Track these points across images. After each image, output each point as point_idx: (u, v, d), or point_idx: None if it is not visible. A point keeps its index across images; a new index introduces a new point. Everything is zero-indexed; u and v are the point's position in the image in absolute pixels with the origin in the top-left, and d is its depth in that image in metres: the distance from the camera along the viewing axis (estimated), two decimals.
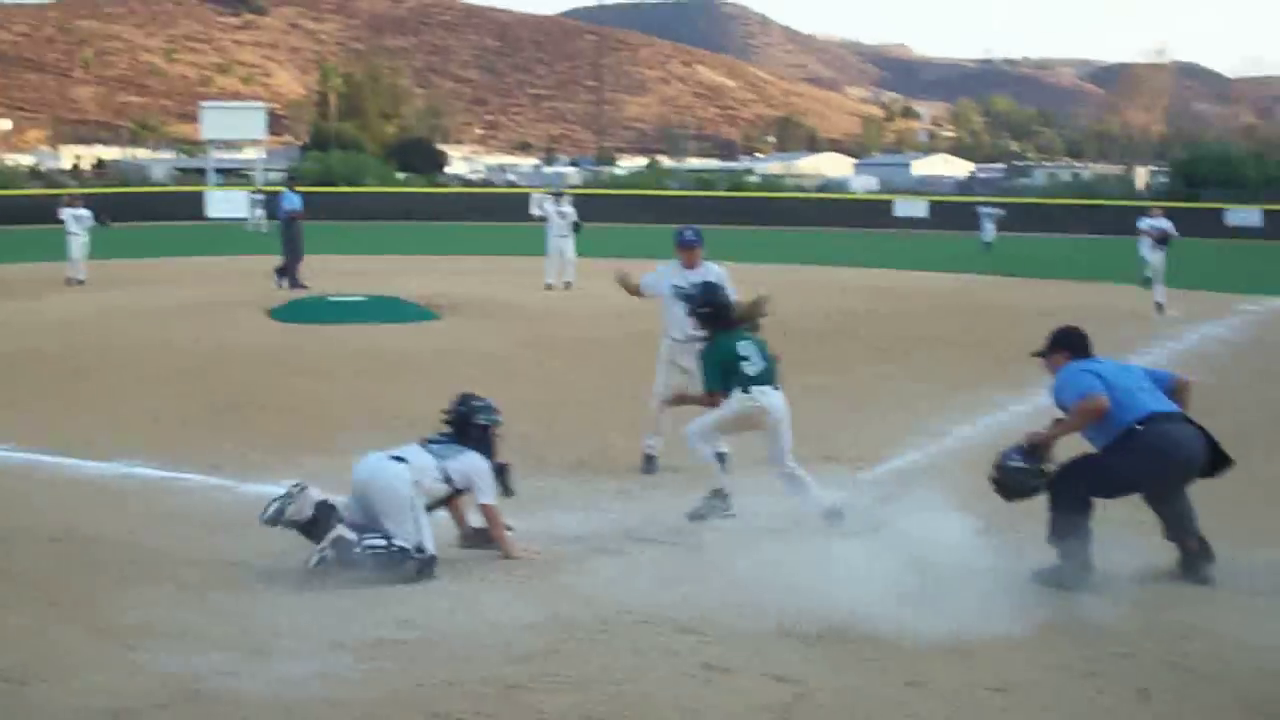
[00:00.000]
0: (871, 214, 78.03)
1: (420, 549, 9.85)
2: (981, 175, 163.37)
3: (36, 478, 13.46)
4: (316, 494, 9.96)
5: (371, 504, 10.01)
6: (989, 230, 58.15)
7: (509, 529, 10.44)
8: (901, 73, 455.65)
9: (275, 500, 9.95)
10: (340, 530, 9.68)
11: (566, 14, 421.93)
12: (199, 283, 35.30)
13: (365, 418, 16.42)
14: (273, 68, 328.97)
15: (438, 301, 28.80)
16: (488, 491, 10.28)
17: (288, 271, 33.42)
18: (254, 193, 68.79)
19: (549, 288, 33.41)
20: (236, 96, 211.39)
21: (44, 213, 67.54)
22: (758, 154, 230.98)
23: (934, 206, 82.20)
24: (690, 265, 13.44)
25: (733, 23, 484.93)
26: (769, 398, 11.38)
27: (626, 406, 15.90)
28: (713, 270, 13.32)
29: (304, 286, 32.18)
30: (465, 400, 10.73)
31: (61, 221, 35.63)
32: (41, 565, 10.27)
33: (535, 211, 35.57)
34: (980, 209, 61.64)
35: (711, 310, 11.74)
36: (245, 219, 62.20)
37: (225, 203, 73.16)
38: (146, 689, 7.73)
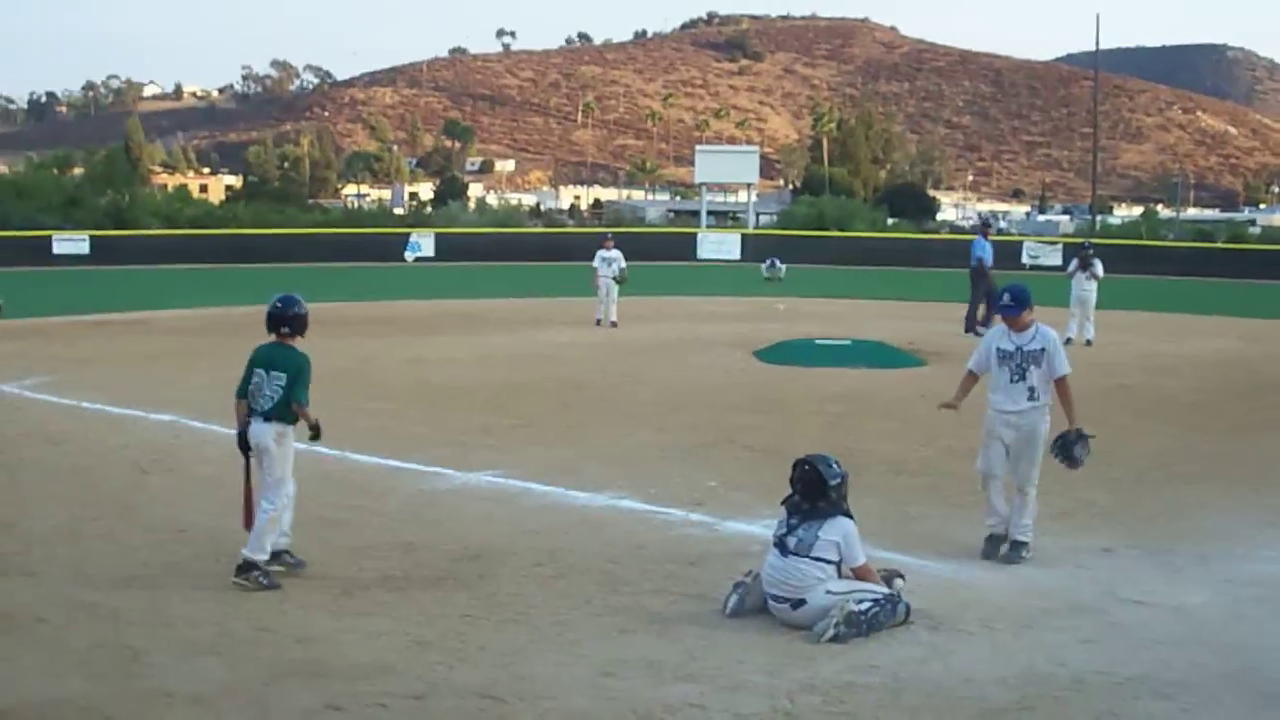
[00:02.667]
0: None
1: (892, 597, 9.77)
2: None
3: (524, 504, 13.94)
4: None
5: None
6: None
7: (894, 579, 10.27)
8: None
9: (732, 593, 9.95)
10: (849, 605, 9.57)
11: (1062, 59, 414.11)
12: (689, 321, 36.03)
13: (843, 462, 16.40)
14: (767, 112, 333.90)
15: (923, 347, 28.58)
16: (857, 554, 9.96)
17: (970, 317, 32.81)
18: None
19: (1068, 341, 31.48)
20: (731, 141, 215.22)
21: (543, 249, 70.72)
22: (1261, 204, 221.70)
23: None
24: (1018, 329, 12.09)
25: (1237, 68, 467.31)
26: None
27: (1110, 460, 15.42)
28: (1045, 334, 12.12)
29: (977, 333, 30.79)
30: (813, 467, 10.36)
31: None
32: (524, 589, 10.63)
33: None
34: None
35: None
36: (733, 260, 63.01)
37: (716, 244, 74.51)
38: (618, 716, 7.91)
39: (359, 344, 27.45)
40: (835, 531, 9.91)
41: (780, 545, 10.00)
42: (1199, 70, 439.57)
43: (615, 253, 35.24)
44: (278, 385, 10.76)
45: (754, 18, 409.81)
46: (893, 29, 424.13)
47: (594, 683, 8.46)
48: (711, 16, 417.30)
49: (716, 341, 30.08)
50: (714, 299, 45.60)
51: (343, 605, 10.16)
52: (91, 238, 68.03)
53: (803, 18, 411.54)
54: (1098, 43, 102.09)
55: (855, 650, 9.14)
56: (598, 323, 34.29)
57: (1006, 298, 12.18)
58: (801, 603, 9.71)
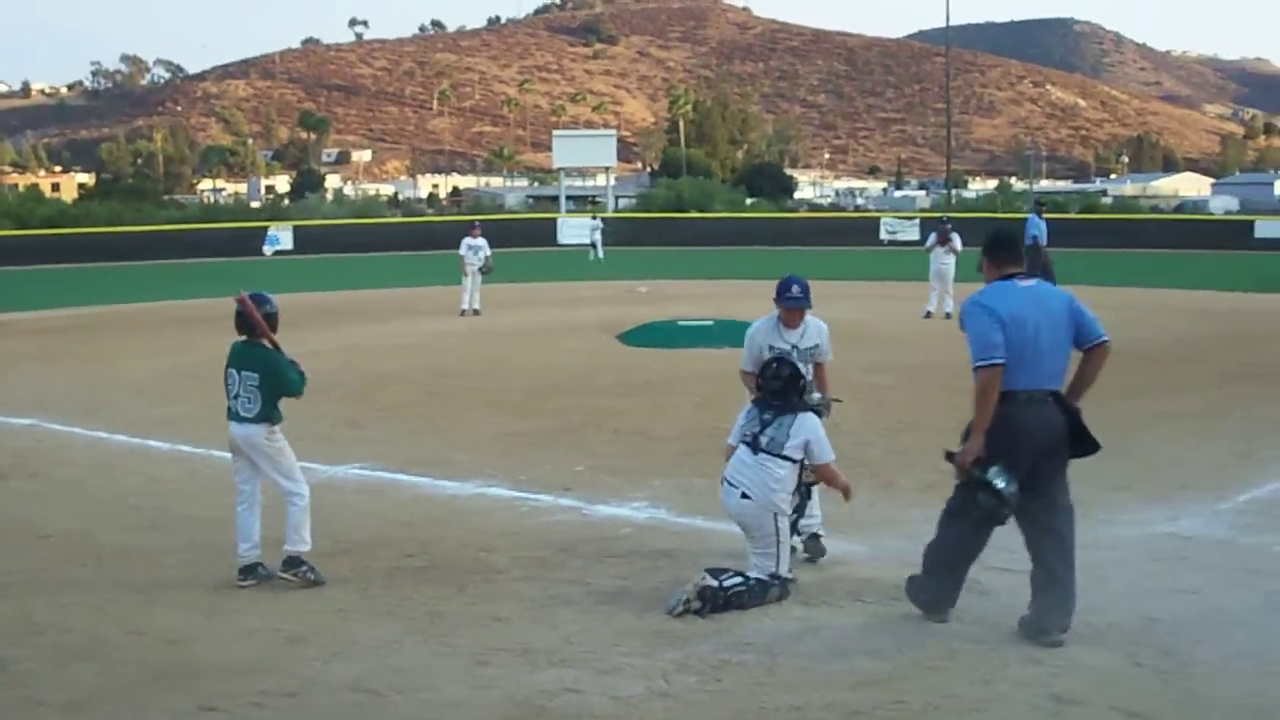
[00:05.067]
0: (1232, 235, 75.04)
1: (776, 576, 9.85)
2: None
3: (393, 496, 13.89)
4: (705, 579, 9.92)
5: (745, 526, 10.09)
6: None
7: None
8: (1262, 88, 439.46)
9: (679, 601, 9.81)
10: (704, 579, 9.65)
11: (914, 36, 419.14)
12: (553, 307, 36.08)
13: (707, 440, 16.52)
14: (623, 96, 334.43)
15: None
16: (826, 452, 10.04)
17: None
18: (594, 219, 70.00)
19: (929, 315, 32.01)
20: (588, 125, 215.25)
21: (403, 239, 70.38)
22: (1112, 175, 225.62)
23: None
24: (794, 325, 11.39)
25: (1085, 41, 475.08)
26: None
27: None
28: (818, 328, 11.54)
29: None
30: (781, 364, 10.46)
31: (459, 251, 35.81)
32: (396, 581, 10.59)
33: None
34: None
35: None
36: (591, 245, 63.10)
37: (575, 229, 74.65)
38: (494, 704, 7.91)
39: (219, 340, 27.12)
40: (805, 430, 10.00)
41: (753, 443, 10.08)
42: (1048, 44, 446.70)
43: (481, 241, 35.28)
44: (252, 385, 10.54)
45: (607, 1, 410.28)
46: (745, 10, 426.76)
47: (470, 671, 8.45)
48: (564, 1, 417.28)
49: (581, 326, 30.16)
50: (576, 284, 45.66)
51: (214, 604, 10.06)
52: None
53: (656, 0, 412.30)
54: (948, 19, 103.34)
55: (729, 629, 9.19)
56: (462, 312, 34.24)
57: (796, 289, 11.28)
58: (748, 497, 9.91)
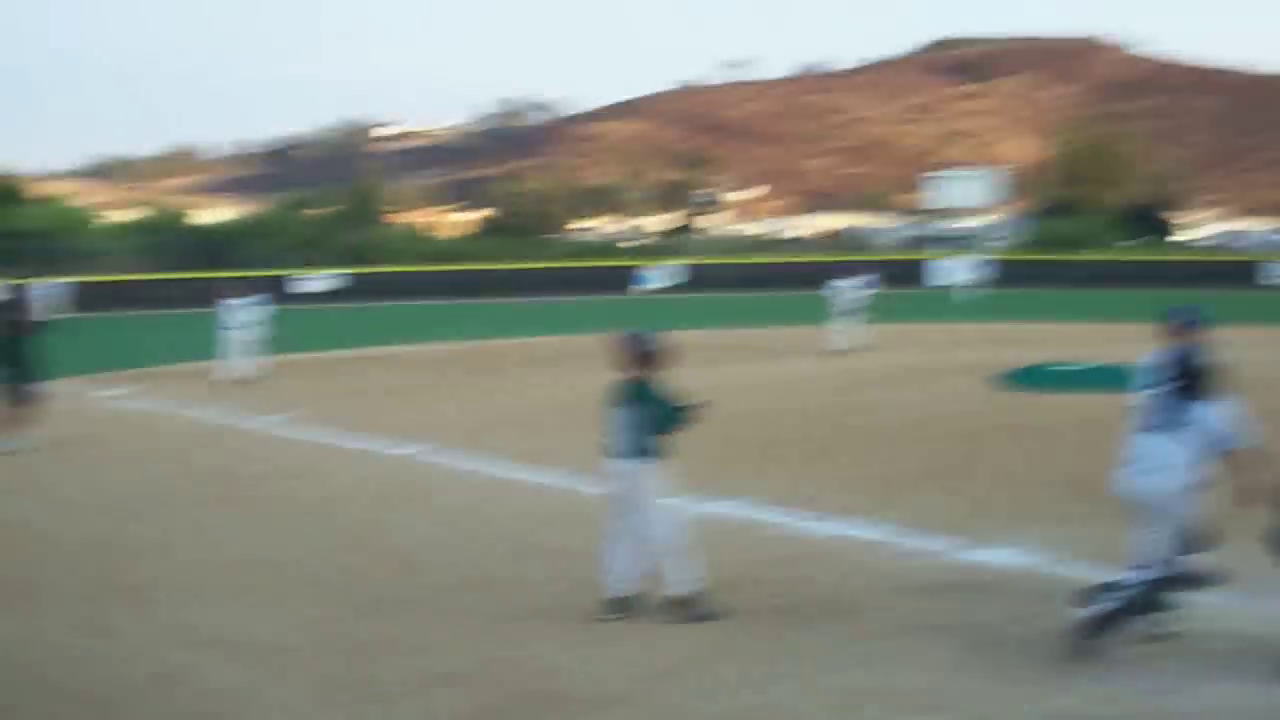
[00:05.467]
0: None
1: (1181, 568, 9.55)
2: None
3: (766, 534, 13.85)
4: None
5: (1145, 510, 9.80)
6: None
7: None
8: None
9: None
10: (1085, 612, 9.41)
11: None
12: (927, 348, 35.72)
13: (1085, 487, 16.06)
14: (1000, 135, 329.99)
15: None
16: (1233, 435, 9.59)
17: None
18: (959, 259, 69.24)
19: None
20: (964, 165, 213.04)
21: (779, 278, 70.68)
22: None
23: None
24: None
25: None
26: None
27: None
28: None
29: None
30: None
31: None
32: (766, 619, 10.53)
33: None
34: None
35: None
36: (954, 286, 62.10)
37: (949, 270, 73.78)
38: None
39: (594, 376, 27.61)
40: (1213, 415, 9.68)
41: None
42: None
43: (850, 281, 35.18)
44: (631, 422, 10.66)
45: (986, 40, 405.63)
46: (1128, 47, 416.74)
47: (839, 713, 8.35)
48: (943, 40, 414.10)
49: (957, 368, 29.75)
50: (951, 325, 45.11)
51: (583, 636, 10.17)
52: (334, 276, 69.77)
53: (1036, 38, 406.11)
54: None
55: (1099, 679, 8.88)
56: (835, 351, 34.17)
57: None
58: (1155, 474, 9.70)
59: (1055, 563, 12.20)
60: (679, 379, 10.86)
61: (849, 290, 34.97)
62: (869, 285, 35.40)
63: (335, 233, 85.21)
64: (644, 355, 10.74)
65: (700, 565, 10.59)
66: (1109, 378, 26.69)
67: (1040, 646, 9.59)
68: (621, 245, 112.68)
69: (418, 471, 18.18)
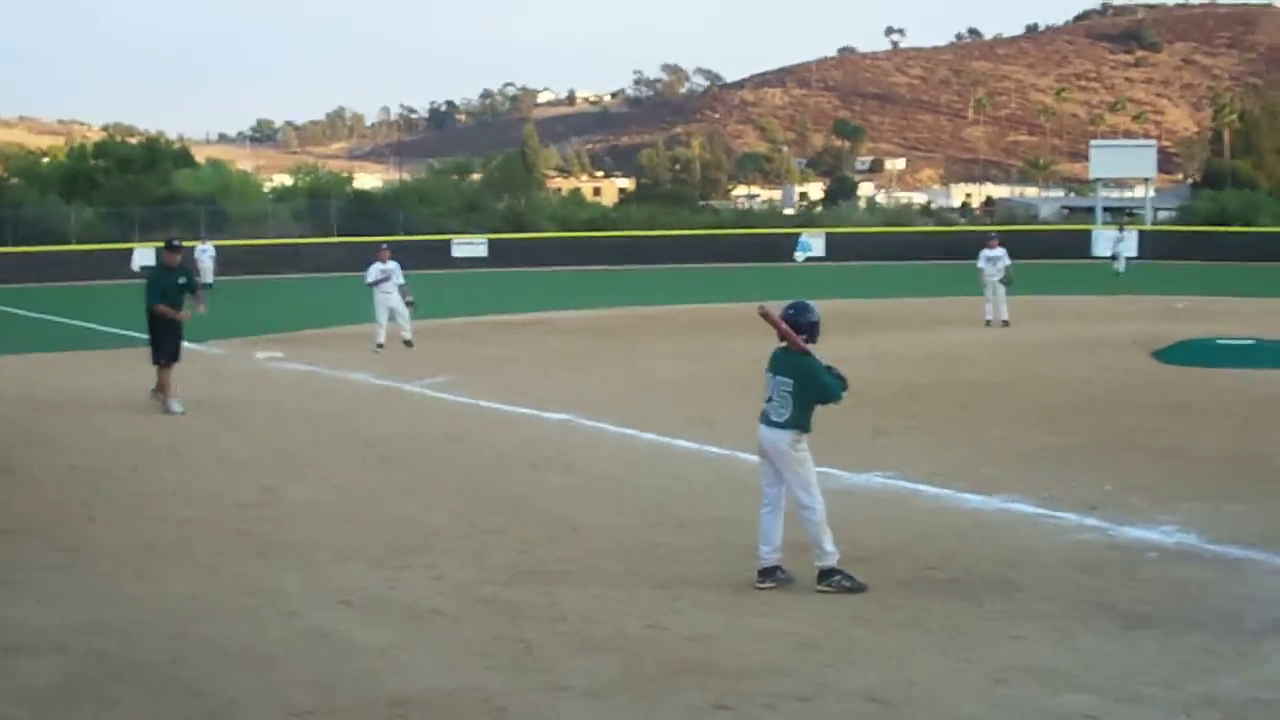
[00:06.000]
0: None
1: None
2: None
3: (915, 506, 13.80)
4: None
5: None
6: None
7: None
8: None
9: None
10: None
11: None
12: (1083, 321, 35.28)
13: (1244, 466, 15.84)
14: (1164, 104, 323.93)
15: None
16: None
17: None
18: (1119, 230, 68.10)
19: None
20: (1126, 134, 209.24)
21: (935, 248, 70.08)
22: None
23: None
24: None
25: None
26: None
27: None
28: None
29: None
30: None
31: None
32: (914, 592, 10.51)
33: None
34: None
35: None
36: (1112, 258, 61.08)
37: (1112, 242, 72.69)
38: None
39: (747, 345, 27.60)
40: None
41: None
42: None
43: (1000, 251, 34.82)
44: (785, 391, 10.69)
45: (1149, 6, 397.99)
46: None
47: (985, 689, 8.29)
48: (1105, 7, 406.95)
49: (1115, 341, 29.31)
50: (1110, 298, 44.47)
51: (733, 605, 10.21)
52: (490, 241, 70.33)
53: (1201, 5, 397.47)
54: None
55: (1259, 664, 8.74)
56: (987, 323, 33.86)
57: None
58: None
59: (1215, 542, 12.01)
60: (834, 348, 10.83)
61: (1001, 261, 34.59)
62: (1007, 256, 34.89)
63: (493, 198, 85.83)
64: (806, 326, 10.75)
65: (831, 539, 10.58)
66: (1273, 354, 26.28)
67: (1199, 626, 9.47)
68: (779, 212, 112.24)
69: (575, 437, 18.33)
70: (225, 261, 53.80)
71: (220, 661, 8.97)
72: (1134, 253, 65.85)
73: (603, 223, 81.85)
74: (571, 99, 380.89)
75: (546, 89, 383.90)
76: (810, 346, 10.71)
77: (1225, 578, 10.85)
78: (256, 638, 9.47)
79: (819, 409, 10.70)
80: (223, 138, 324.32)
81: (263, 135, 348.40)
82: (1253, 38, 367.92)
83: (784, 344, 10.79)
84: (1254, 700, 8.09)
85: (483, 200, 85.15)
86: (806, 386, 10.59)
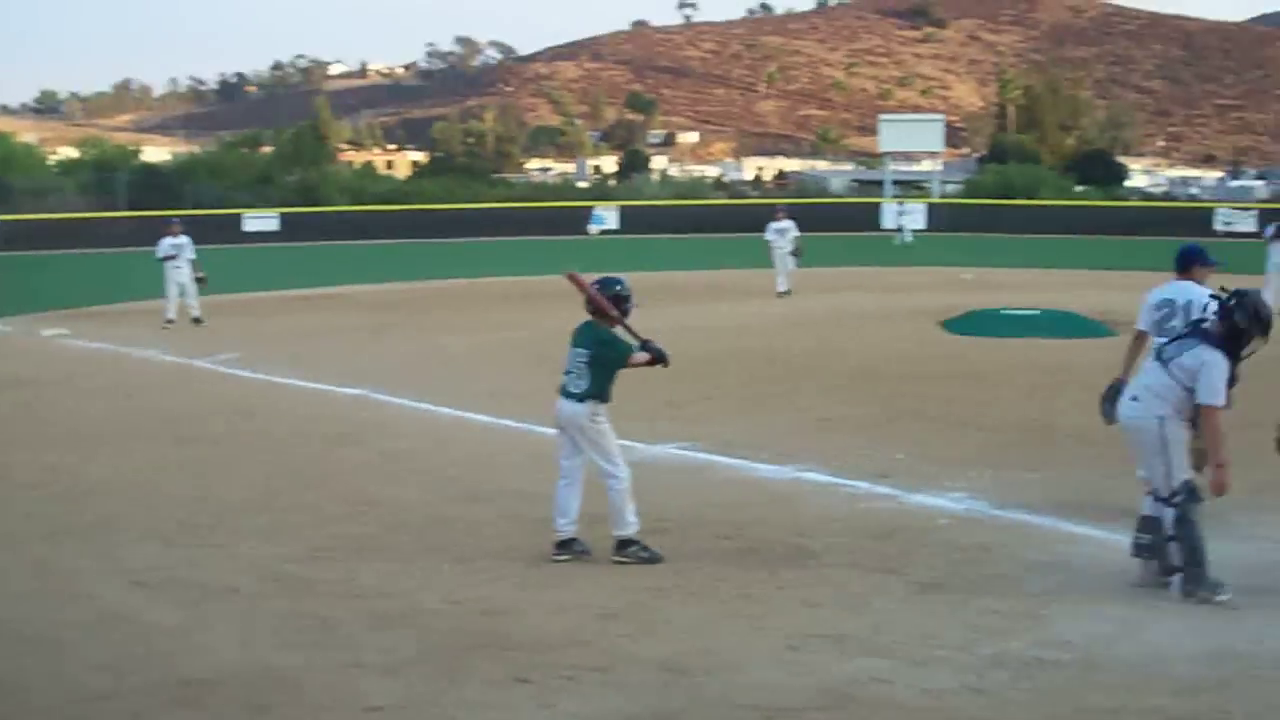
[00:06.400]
0: None
1: (1174, 491, 9.69)
2: None
3: (711, 477, 13.93)
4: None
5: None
6: None
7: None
8: None
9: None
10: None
11: (1256, 20, 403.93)
12: (874, 292, 35.83)
13: (1031, 433, 16.25)
14: (951, 80, 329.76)
15: (1112, 317, 28.01)
16: (1208, 390, 9.59)
17: None
18: (900, 204, 69.44)
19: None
20: (915, 109, 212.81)
21: (728, 221, 70.60)
22: None
23: None
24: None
25: None
26: None
27: None
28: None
29: None
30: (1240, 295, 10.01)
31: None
32: (710, 562, 10.62)
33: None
34: None
35: None
36: (903, 230, 62.07)
37: (900, 214, 73.88)
38: (804, 689, 7.87)
39: (542, 317, 27.66)
40: (1197, 359, 9.73)
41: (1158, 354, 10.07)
42: None
43: (787, 223, 35.32)
44: (581, 362, 10.67)
45: None
46: None
47: (780, 656, 8.42)
48: None
49: (904, 312, 29.84)
50: (900, 269, 45.22)
51: (530, 578, 10.23)
52: (281, 215, 69.39)
53: None
54: None
55: (1045, 625, 8.98)
56: (779, 294, 34.26)
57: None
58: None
59: (1003, 508, 12.30)
60: (631, 322, 10.88)
61: (787, 233, 35.10)
62: (796, 228, 35.46)
63: (285, 172, 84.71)
64: (611, 299, 10.78)
65: (634, 510, 10.65)
66: (1057, 324, 26.95)
67: (988, 590, 9.70)
68: (573, 185, 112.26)
69: (370, 412, 18.21)
70: (9, 236, 52.30)
71: (9, 646, 8.79)
72: (922, 225, 67.07)
73: (396, 196, 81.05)
74: (364, 71, 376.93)
75: (338, 61, 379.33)
76: (615, 320, 10.76)
77: (1013, 543, 11.12)
78: (47, 621, 9.28)
79: (620, 378, 10.74)
80: (4, 110, 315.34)
81: (46, 107, 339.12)
82: (1036, 15, 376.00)
83: (591, 317, 10.82)
84: (1039, 660, 8.32)
85: (274, 174, 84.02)
86: (599, 352, 10.62)
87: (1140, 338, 12.13)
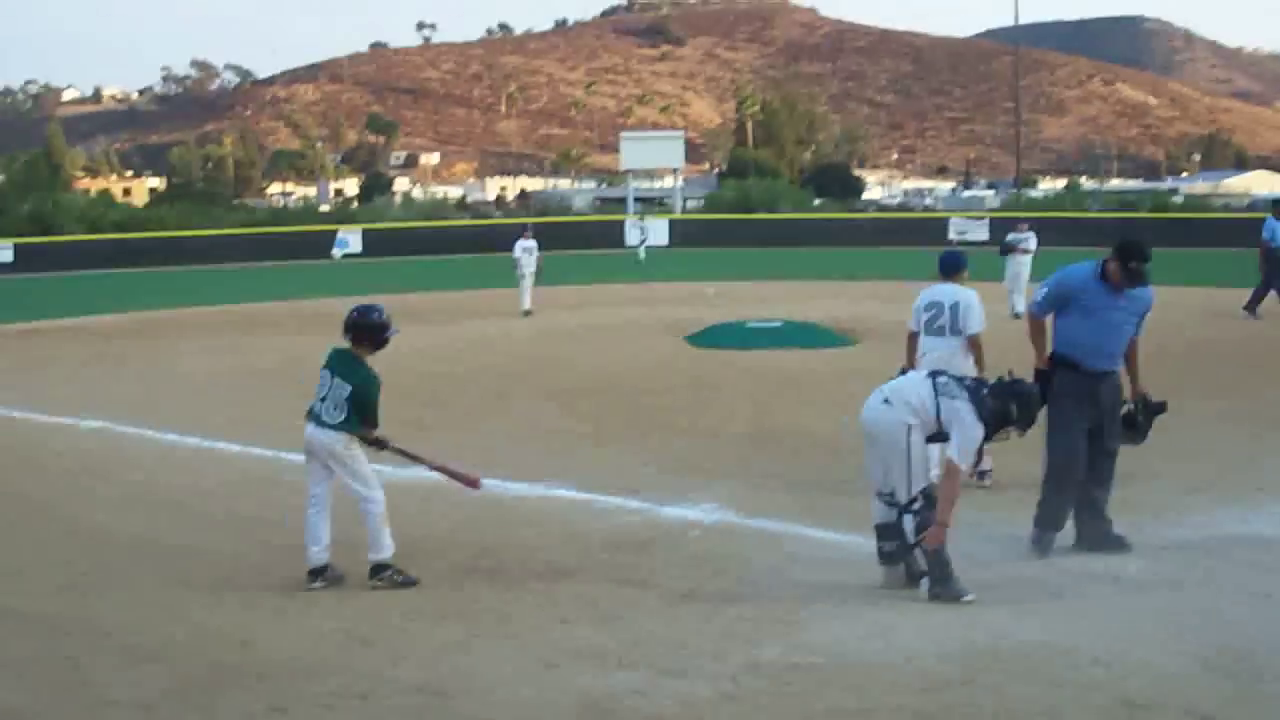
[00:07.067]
0: None
1: (913, 498, 9.99)
2: None
3: (460, 498, 13.88)
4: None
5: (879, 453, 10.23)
6: None
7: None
8: None
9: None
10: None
11: (982, 35, 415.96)
12: (620, 307, 36.04)
13: (778, 443, 16.53)
14: (690, 97, 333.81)
15: (852, 327, 28.65)
16: (960, 450, 9.91)
17: (1254, 300, 30.53)
18: (640, 219, 70.05)
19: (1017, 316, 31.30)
20: (655, 126, 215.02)
21: (471, 242, 70.49)
22: (1183, 173, 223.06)
23: None
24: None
25: (1155, 39, 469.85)
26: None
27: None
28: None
29: (1257, 317, 29.94)
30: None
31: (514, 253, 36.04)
32: (464, 582, 10.62)
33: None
34: None
35: None
36: (643, 246, 62.66)
37: (640, 231, 74.46)
38: (563, 706, 7.91)
39: (288, 342, 27.35)
40: (954, 409, 10.06)
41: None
42: (1117, 42, 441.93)
43: (533, 242, 35.57)
44: (343, 396, 10.53)
45: (674, 3, 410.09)
46: (812, 10, 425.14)
47: (538, 673, 8.45)
48: (631, 3, 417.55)
49: (648, 327, 30.08)
50: (644, 285, 45.56)
51: (283, 606, 10.11)
52: (15, 245, 67.43)
53: (722, 1, 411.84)
54: (1017, 17, 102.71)
55: (799, 630, 9.15)
56: (525, 313, 34.34)
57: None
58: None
59: (752, 516, 12.52)
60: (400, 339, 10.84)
61: (534, 252, 35.31)
62: (539, 247, 35.73)
63: (17, 200, 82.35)
64: (366, 326, 10.73)
65: (390, 534, 10.61)
66: (798, 335, 27.44)
67: (742, 598, 9.85)
68: (315, 209, 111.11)
69: (113, 444, 17.78)
70: None
71: None
72: (664, 241, 67.72)
73: (134, 223, 79.24)
74: (98, 97, 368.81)
75: (71, 86, 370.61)
76: (367, 346, 10.72)
77: (764, 550, 11.32)
78: None
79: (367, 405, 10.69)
80: None
81: None
82: (772, 32, 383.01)
83: (346, 344, 10.75)
84: (794, 665, 8.47)
85: (6, 203, 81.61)
86: (362, 398, 10.57)
87: (913, 338, 13.48)
